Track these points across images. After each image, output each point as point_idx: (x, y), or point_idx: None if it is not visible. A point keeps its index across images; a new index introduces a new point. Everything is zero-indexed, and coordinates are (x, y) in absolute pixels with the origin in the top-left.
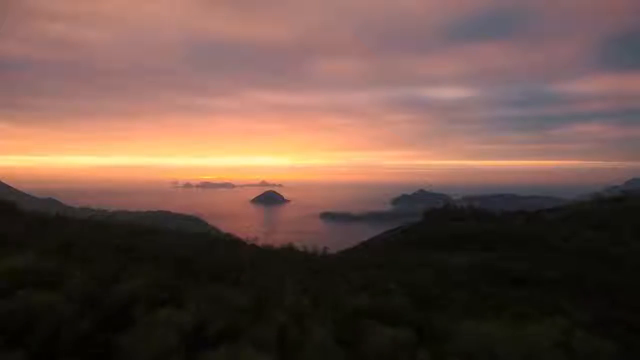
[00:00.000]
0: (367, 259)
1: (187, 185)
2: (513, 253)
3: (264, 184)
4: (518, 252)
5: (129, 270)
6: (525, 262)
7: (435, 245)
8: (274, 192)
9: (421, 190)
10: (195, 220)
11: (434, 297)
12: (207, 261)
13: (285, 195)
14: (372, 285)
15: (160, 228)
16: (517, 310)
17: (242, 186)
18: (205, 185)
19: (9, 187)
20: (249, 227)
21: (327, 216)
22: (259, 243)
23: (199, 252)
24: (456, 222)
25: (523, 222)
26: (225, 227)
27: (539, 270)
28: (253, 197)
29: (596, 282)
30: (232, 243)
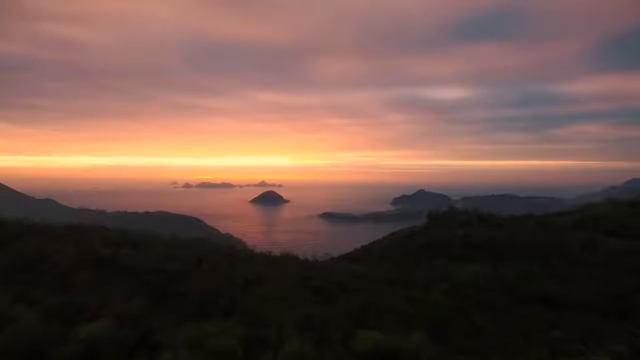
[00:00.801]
0: (374, 271)
1: (187, 185)
2: (530, 265)
3: (263, 184)
4: (535, 263)
5: (97, 300)
6: (548, 276)
7: (443, 254)
8: (274, 192)
9: (421, 191)
10: (194, 220)
11: (458, 323)
12: (196, 282)
13: (285, 195)
14: (387, 311)
15: (149, 235)
16: (558, 346)
17: (241, 186)
18: (205, 185)
19: (7, 188)
20: (248, 227)
21: (327, 216)
22: (258, 250)
23: (187, 270)
24: (462, 227)
25: (533, 228)
26: (224, 227)
27: (566, 288)
28: (253, 197)
29: (632, 303)
30: (227, 255)
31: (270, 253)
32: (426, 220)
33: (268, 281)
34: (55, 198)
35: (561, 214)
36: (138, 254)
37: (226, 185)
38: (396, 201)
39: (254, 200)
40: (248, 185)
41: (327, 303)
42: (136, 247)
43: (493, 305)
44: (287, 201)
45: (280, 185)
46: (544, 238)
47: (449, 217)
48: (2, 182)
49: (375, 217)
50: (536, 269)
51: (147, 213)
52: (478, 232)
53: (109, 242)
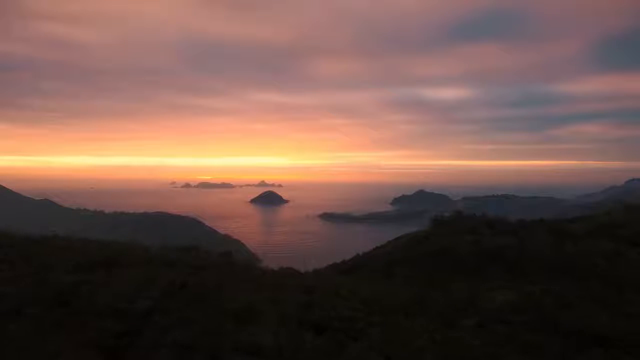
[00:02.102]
0: (383, 293)
1: (186, 185)
2: (560, 284)
3: (263, 184)
4: (563, 281)
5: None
6: (587, 301)
7: (455, 266)
8: (274, 192)
9: (421, 191)
10: (193, 221)
11: None
12: (167, 327)
13: (285, 195)
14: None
15: (134, 247)
16: None
17: (241, 186)
18: (204, 185)
19: (4, 189)
20: (247, 227)
21: (327, 217)
22: (254, 258)
23: (161, 307)
24: (470, 233)
25: (546, 235)
26: (224, 228)
27: (620, 321)
28: (252, 197)
29: None
30: (219, 271)
31: (266, 268)
32: (431, 225)
33: (260, 314)
34: (53, 199)
35: (574, 219)
36: (109, 280)
37: (226, 185)
38: (396, 201)
39: (254, 201)
40: (248, 185)
41: (333, 354)
42: (111, 267)
43: (539, 349)
44: (287, 201)
45: (279, 185)
46: (561, 248)
47: (454, 222)
48: (0, 183)
49: (375, 218)
50: (570, 290)
51: (145, 213)
52: (488, 239)
53: (78, 265)
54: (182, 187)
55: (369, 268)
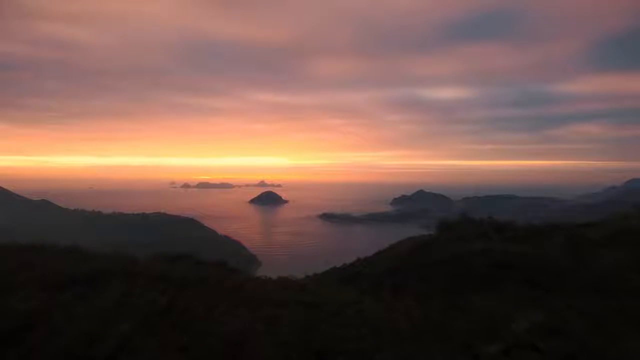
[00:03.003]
0: (394, 314)
1: (186, 185)
2: (584, 300)
3: (262, 184)
4: (589, 297)
5: None
6: (624, 324)
7: (466, 279)
8: (273, 192)
9: (421, 191)
10: (192, 221)
11: None
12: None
13: (284, 195)
14: None
15: (117, 260)
16: None
17: (240, 186)
18: (204, 185)
19: (2, 189)
20: (247, 228)
21: (327, 217)
22: (250, 268)
23: (144, 328)
24: (479, 239)
25: (561, 242)
26: (223, 228)
27: None
28: (252, 197)
29: None
30: (211, 285)
31: (263, 279)
32: (436, 229)
33: (254, 344)
34: (51, 199)
35: (589, 224)
36: (76, 306)
37: (225, 186)
38: (396, 201)
39: (253, 201)
40: (247, 186)
41: None
42: (87, 286)
43: None
44: (287, 201)
45: (279, 186)
46: (583, 258)
47: (461, 226)
48: None
49: (375, 218)
50: (602, 308)
51: (143, 214)
52: (499, 246)
53: (47, 284)
54: (182, 187)
55: (372, 277)
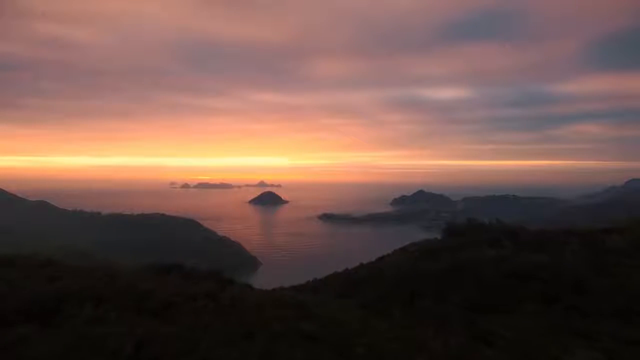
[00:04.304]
0: (414, 345)
1: (185, 185)
2: (633, 327)
3: (262, 184)
4: (636, 323)
5: None
6: None
7: (484, 295)
8: (273, 193)
9: (421, 191)
10: (191, 222)
11: None
12: None
13: (284, 196)
14: None
15: (97, 277)
16: None
17: (240, 187)
18: (203, 185)
19: (0, 190)
20: (246, 229)
21: (327, 218)
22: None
23: None
24: (491, 246)
25: (580, 250)
26: (222, 229)
27: None
28: (251, 198)
29: None
30: (198, 306)
31: (259, 294)
32: (443, 235)
33: None
34: (50, 200)
35: (608, 230)
36: (23, 349)
37: (225, 186)
38: (396, 202)
39: (253, 201)
40: (247, 186)
41: None
42: (51, 316)
43: None
44: (286, 202)
45: (279, 186)
46: (611, 270)
47: (469, 231)
48: None
49: (375, 218)
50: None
51: (142, 215)
52: (513, 255)
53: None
54: (181, 187)
55: (378, 287)
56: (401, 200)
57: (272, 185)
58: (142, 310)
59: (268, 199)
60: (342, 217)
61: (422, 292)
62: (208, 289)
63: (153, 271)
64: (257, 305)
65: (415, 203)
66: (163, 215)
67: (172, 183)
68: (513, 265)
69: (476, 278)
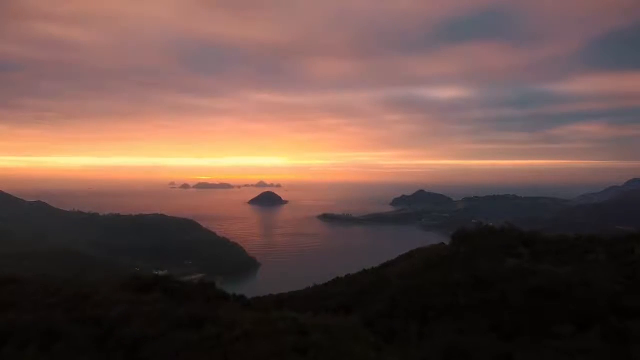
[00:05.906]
0: None
1: (185, 186)
2: None
3: (262, 184)
4: None
5: None
6: None
7: (508, 317)
8: (273, 193)
9: (421, 191)
10: (190, 223)
11: None
12: None
13: (284, 196)
14: None
15: (72, 296)
16: None
17: (240, 187)
18: (203, 186)
19: None
20: (246, 229)
21: (327, 218)
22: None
23: None
24: (507, 254)
25: (606, 260)
26: (222, 229)
27: None
28: (251, 198)
29: None
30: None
31: (251, 310)
32: (453, 241)
33: None
34: (48, 201)
35: (635, 236)
36: None
37: (224, 186)
38: (396, 202)
39: (253, 201)
40: (247, 186)
41: None
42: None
43: None
44: (286, 202)
45: (279, 186)
46: None
47: (480, 237)
48: None
49: (376, 219)
50: None
51: (141, 215)
52: (533, 266)
53: None
54: (181, 187)
55: (385, 300)
56: (401, 200)
57: (272, 186)
58: (104, 351)
59: (268, 199)
60: (342, 217)
61: (434, 306)
62: (193, 312)
63: (133, 287)
64: (248, 335)
65: (416, 203)
66: (162, 215)
67: (172, 183)
68: (538, 280)
69: (496, 294)
